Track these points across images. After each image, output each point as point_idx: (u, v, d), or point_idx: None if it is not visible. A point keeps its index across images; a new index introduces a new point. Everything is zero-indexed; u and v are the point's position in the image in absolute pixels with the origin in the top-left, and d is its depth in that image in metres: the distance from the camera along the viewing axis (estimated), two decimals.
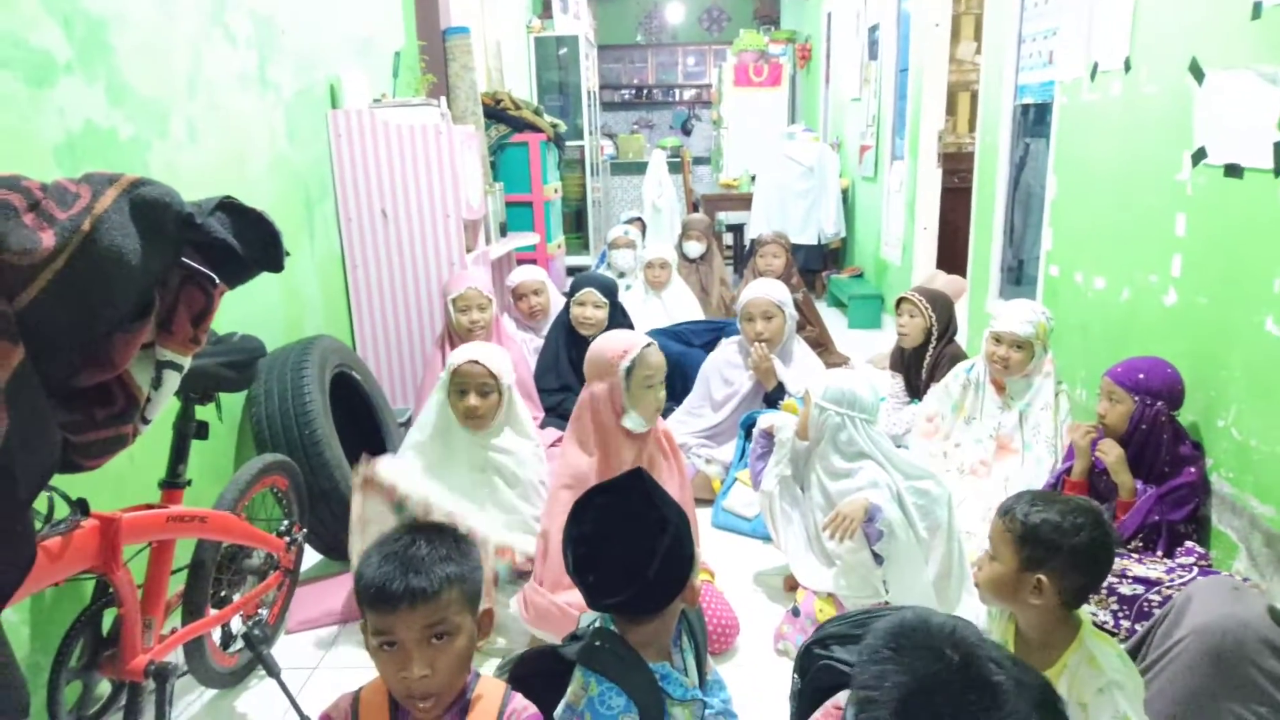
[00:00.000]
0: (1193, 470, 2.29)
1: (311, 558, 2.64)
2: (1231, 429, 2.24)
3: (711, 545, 2.76)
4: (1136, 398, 2.32)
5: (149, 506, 1.70)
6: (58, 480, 1.45)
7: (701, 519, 2.96)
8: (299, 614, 2.36)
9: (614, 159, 10.52)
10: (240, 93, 2.66)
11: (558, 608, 2.12)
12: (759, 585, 2.58)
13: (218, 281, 1.24)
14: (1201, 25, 2.34)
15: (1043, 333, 2.73)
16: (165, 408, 1.67)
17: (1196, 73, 2.34)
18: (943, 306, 3.38)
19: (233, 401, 2.56)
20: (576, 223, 7.94)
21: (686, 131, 12.46)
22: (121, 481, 1.94)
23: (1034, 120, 3.62)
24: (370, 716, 1.29)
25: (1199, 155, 2.35)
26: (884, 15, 5.72)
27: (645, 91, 12.49)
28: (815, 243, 6.67)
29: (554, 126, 4.86)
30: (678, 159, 9.11)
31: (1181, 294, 2.46)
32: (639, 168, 9.30)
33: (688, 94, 12.47)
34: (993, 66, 3.90)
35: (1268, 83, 2.06)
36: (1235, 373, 2.22)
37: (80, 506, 1.48)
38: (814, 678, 1.34)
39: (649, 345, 2.29)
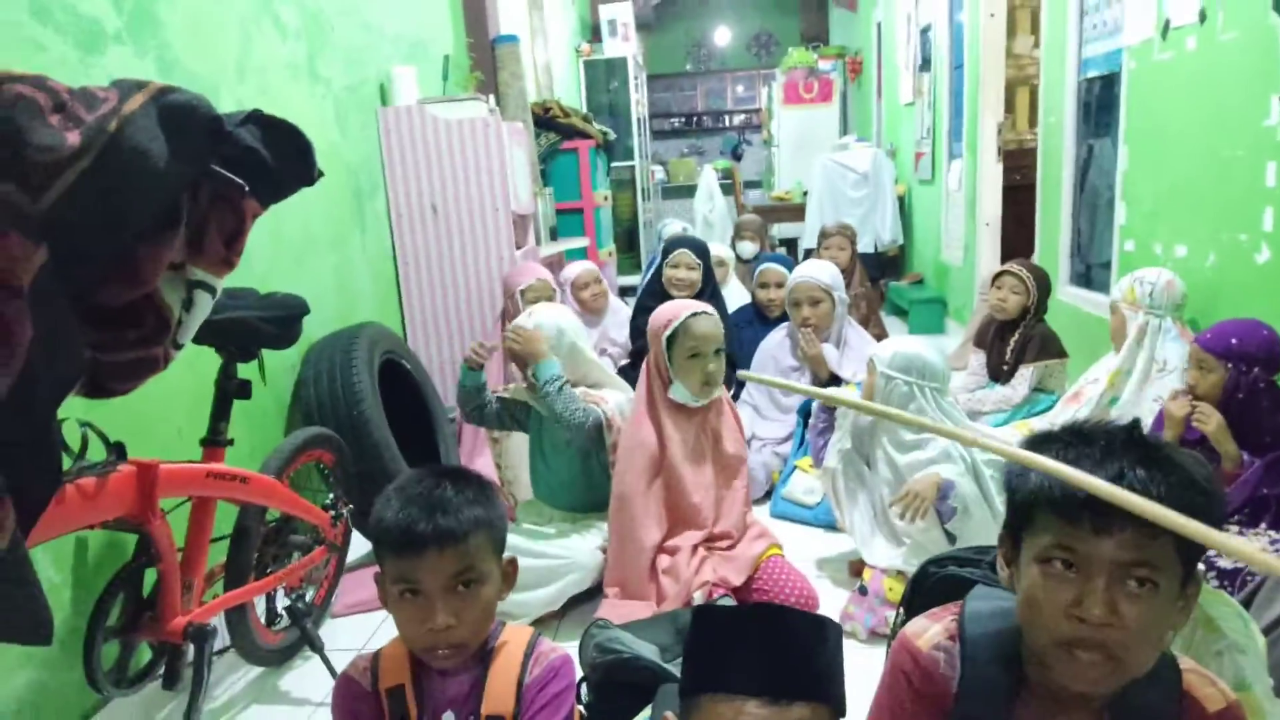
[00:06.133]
0: None
1: (358, 548, 2.58)
2: None
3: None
4: (1229, 365, 2.14)
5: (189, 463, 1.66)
6: (98, 420, 1.42)
7: (760, 510, 2.84)
8: (346, 597, 2.29)
9: (665, 184, 10.53)
10: (290, 82, 2.68)
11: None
12: (823, 571, 2.43)
13: (248, 190, 1.20)
14: None
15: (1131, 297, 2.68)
16: (200, 346, 1.64)
17: None
18: (1044, 281, 3.25)
19: (281, 386, 2.54)
20: (628, 242, 7.92)
21: (737, 157, 12.44)
22: (165, 450, 1.92)
23: (1098, 114, 3.47)
24: (390, 671, 1.23)
25: None
26: (936, 15, 5.63)
27: (695, 119, 12.55)
28: (871, 251, 6.50)
29: (603, 134, 4.85)
30: (729, 180, 9.06)
31: (1275, 249, 2.28)
32: (689, 191, 9.26)
33: (737, 119, 12.48)
34: (1054, 41, 3.77)
35: None
36: None
37: (117, 450, 1.45)
38: (931, 589, 1.22)
39: (696, 314, 2.19)
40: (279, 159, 1.22)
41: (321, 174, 1.31)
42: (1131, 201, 3.12)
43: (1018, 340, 3.27)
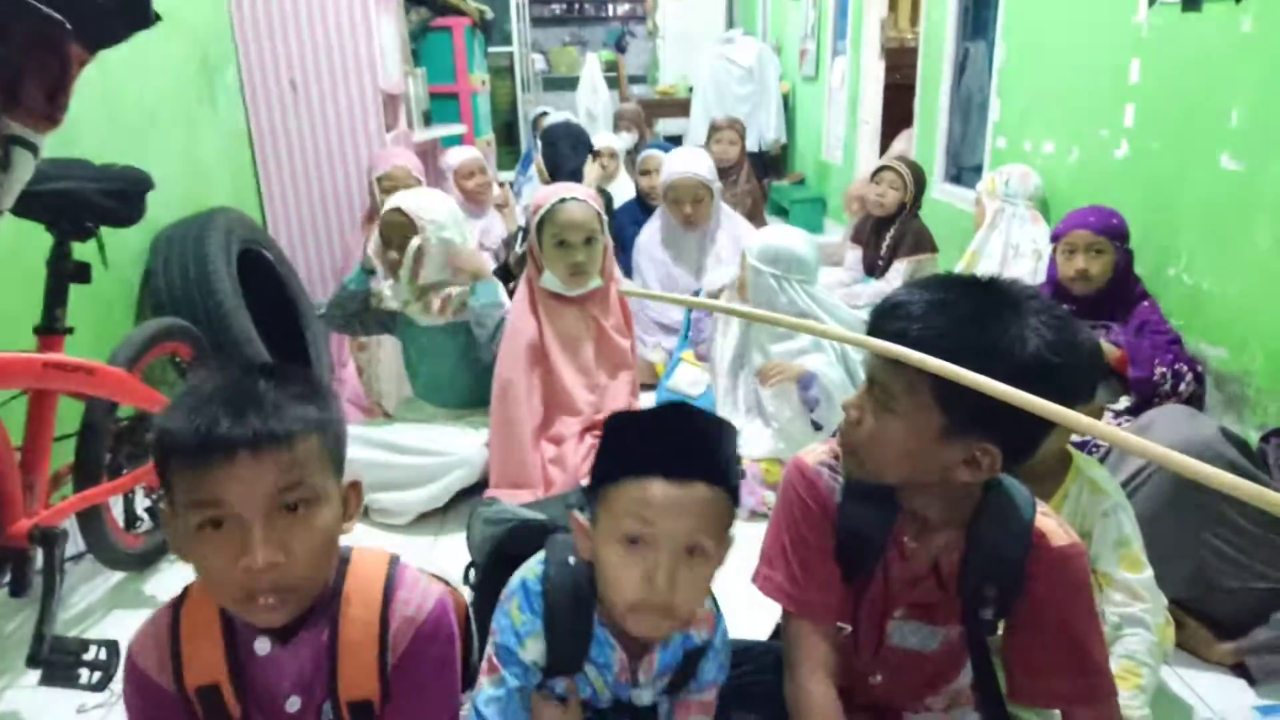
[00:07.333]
0: (1146, 304, 2.21)
1: None
2: (1182, 275, 2.20)
3: None
4: (1117, 243, 2.22)
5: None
6: None
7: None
8: None
9: (546, 74, 10.12)
10: None
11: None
12: None
13: (68, 27, 1.04)
14: None
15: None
16: (29, 221, 1.46)
17: None
18: (920, 178, 3.35)
19: (128, 276, 2.32)
20: (508, 135, 7.61)
21: (621, 49, 12.04)
22: None
23: (976, 15, 3.50)
24: (197, 640, 0.92)
25: None
26: None
27: (577, 6, 12.02)
28: (755, 150, 6.50)
29: (480, 12, 4.56)
30: (614, 74, 8.78)
31: (1133, 143, 2.40)
32: (572, 83, 8.91)
33: (621, 8, 12.04)
34: None
35: None
36: (1188, 216, 2.17)
37: None
38: None
39: (564, 200, 2.11)
40: None
41: (159, 17, 1.14)
42: (1006, 99, 3.20)
43: (893, 236, 3.36)
